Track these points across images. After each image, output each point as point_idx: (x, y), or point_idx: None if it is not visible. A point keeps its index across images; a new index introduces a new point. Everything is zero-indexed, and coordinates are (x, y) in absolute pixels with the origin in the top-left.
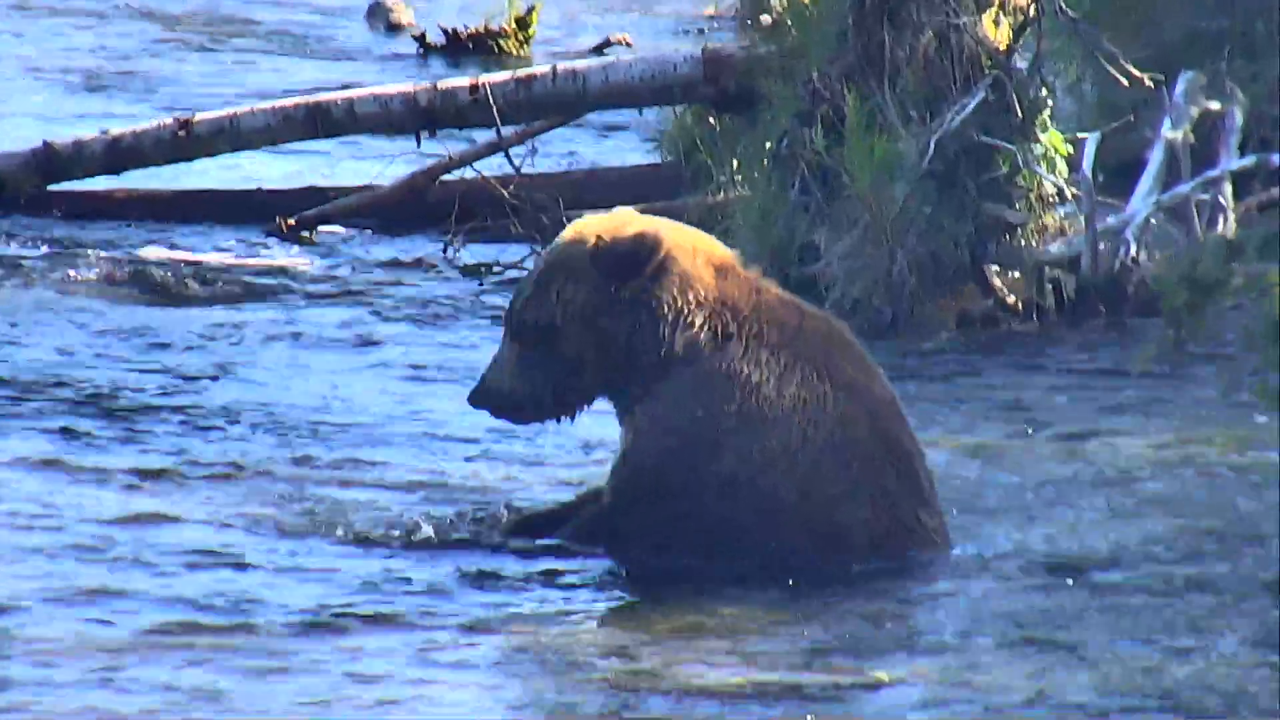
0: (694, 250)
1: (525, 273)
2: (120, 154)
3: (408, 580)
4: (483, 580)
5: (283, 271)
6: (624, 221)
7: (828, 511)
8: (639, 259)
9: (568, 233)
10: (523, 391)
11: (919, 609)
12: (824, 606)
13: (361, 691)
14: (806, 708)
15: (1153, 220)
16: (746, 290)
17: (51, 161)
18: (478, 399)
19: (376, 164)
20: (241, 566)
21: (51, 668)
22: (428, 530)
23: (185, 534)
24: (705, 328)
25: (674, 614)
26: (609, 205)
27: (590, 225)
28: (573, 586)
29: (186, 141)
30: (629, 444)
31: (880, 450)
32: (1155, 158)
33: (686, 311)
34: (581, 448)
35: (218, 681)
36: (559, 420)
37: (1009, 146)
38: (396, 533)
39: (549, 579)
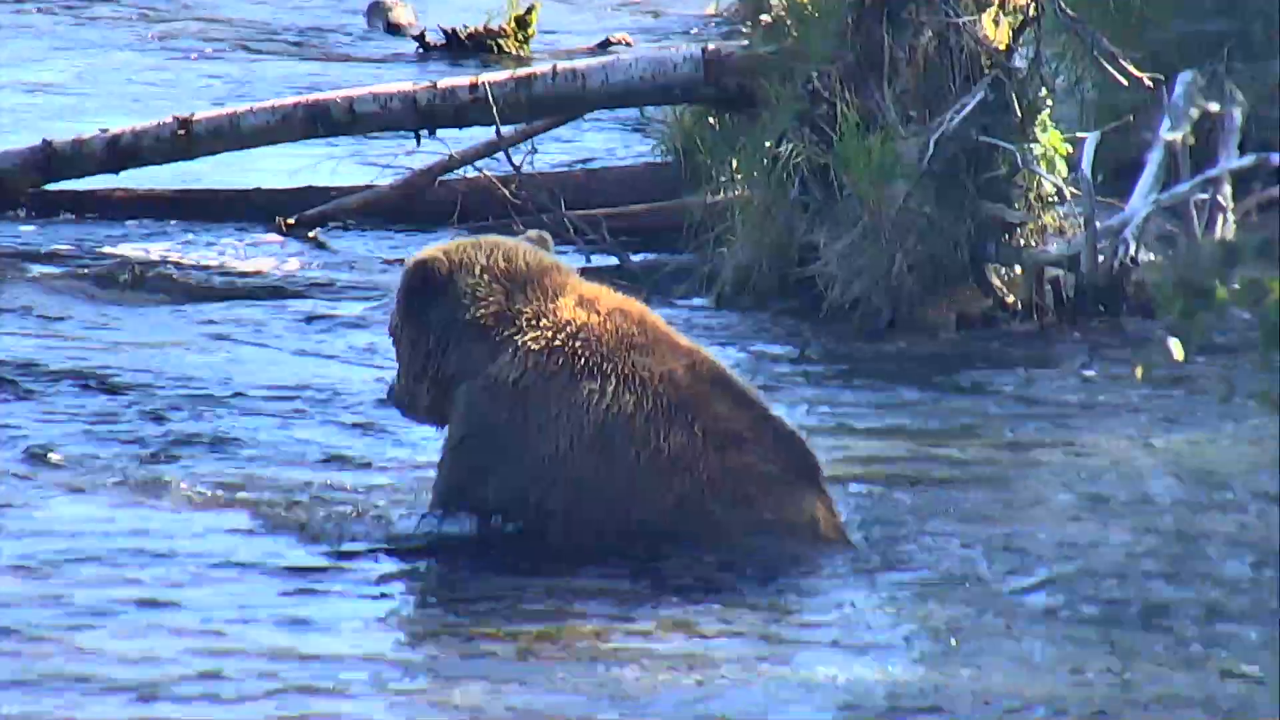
0: (483, 268)
1: None
2: (120, 153)
3: (395, 578)
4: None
5: (282, 271)
6: (431, 249)
7: (613, 507)
8: (416, 286)
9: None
10: (394, 394)
11: (899, 610)
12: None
13: (314, 685)
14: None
15: (1151, 220)
16: (538, 300)
17: (51, 160)
18: (388, 399)
19: (376, 163)
20: (237, 563)
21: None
22: (415, 528)
23: (177, 530)
24: (479, 345)
25: (630, 615)
26: (610, 204)
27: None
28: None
29: (186, 141)
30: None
31: (679, 430)
32: (1154, 158)
33: (465, 330)
34: None
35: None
36: (428, 424)
37: (1008, 146)
38: (384, 529)
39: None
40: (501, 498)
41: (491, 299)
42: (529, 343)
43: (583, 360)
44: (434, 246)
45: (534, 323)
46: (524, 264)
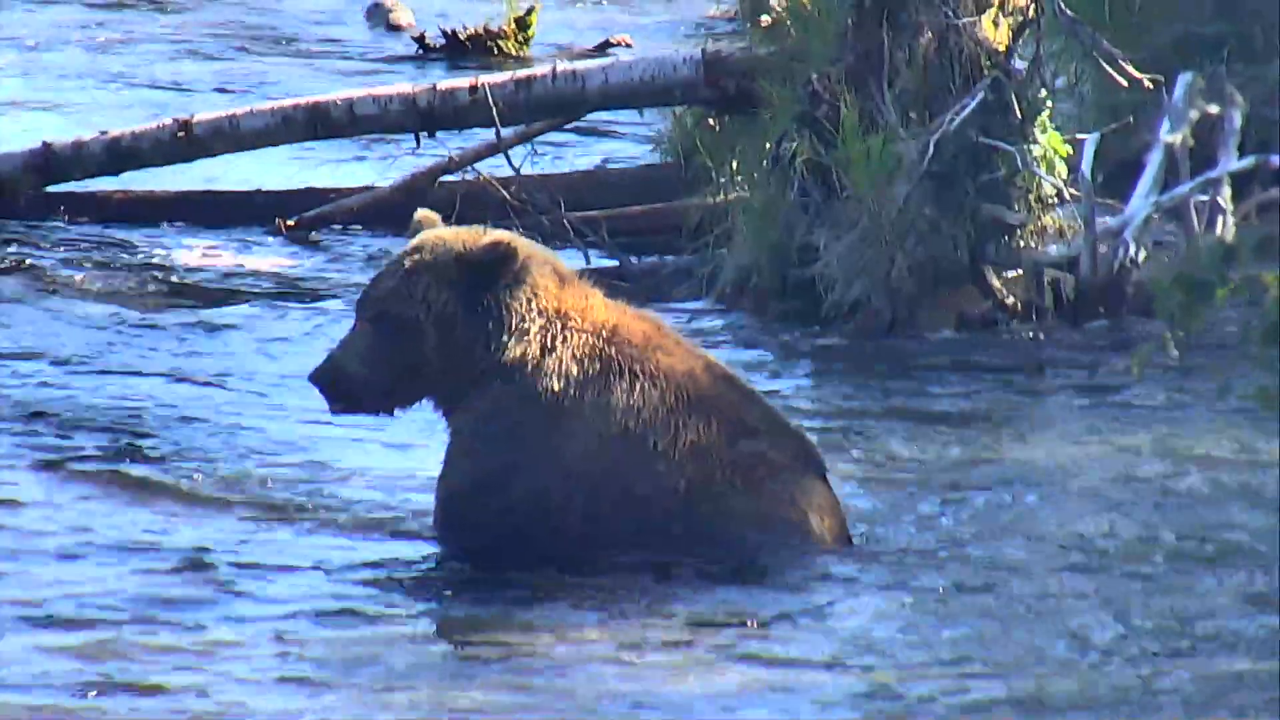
0: (544, 260)
1: (386, 264)
2: (119, 155)
3: (388, 579)
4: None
5: (282, 273)
6: (480, 232)
7: (633, 496)
8: (498, 266)
9: (431, 236)
10: (366, 378)
11: (894, 611)
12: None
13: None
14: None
15: (1151, 221)
16: (578, 300)
17: (51, 162)
18: (320, 377)
19: (376, 165)
20: (234, 567)
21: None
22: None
23: (176, 532)
24: (534, 341)
25: (617, 619)
26: (610, 206)
27: (453, 232)
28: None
29: (186, 142)
30: (444, 465)
31: (699, 422)
32: (1154, 159)
33: (526, 322)
34: None
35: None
36: (386, 414)
37: (1008, 147)
38: (383, 528)
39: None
40: (524, 495)
41: (547, 300)
42: (572, 349)
43: (617, 362)
44: (499, 233)
45: (579, 327)
46: (563, 269)
